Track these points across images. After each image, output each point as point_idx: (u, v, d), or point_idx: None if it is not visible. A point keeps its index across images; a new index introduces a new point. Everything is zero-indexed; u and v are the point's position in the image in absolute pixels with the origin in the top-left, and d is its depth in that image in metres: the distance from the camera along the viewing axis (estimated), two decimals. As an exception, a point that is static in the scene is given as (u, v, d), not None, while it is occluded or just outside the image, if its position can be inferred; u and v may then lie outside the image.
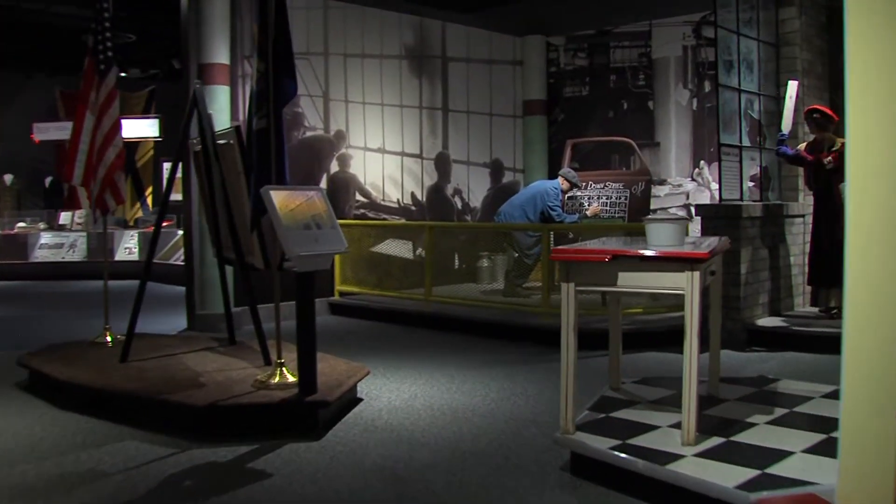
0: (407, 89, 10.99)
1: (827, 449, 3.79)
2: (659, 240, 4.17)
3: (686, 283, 3.87)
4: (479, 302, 8.76)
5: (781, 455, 3.78)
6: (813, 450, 3.86)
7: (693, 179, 10.90)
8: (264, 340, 6.12)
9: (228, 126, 6.80)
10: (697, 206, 7.70)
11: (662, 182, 11.02)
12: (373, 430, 5.00)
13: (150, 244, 6.52)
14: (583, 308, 7.97)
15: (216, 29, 8.64)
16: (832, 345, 7.24)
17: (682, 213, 10.87)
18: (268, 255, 5.49)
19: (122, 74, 18.04)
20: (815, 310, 8.12)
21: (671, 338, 7.60)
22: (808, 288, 8.36)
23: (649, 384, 5.35)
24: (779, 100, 8.51)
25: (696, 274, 3.86)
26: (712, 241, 4.56)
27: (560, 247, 3.98)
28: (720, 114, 7.63)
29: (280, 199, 4.97)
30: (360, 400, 5.74)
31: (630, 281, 4.00)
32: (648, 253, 3.95)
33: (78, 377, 5.68)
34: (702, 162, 10.80)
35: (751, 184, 8.18)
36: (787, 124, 7.80)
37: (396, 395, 5.86)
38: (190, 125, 6.35)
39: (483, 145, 12.05)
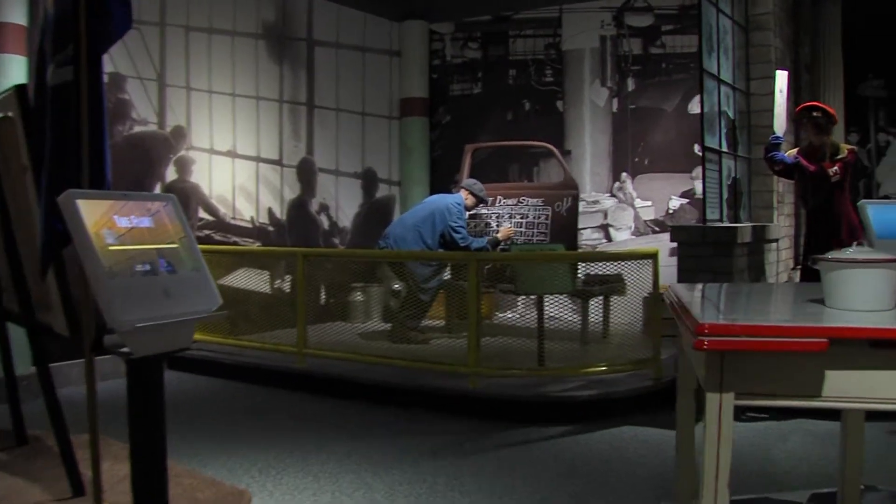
0: (265, 77, 8.66)
1: None
2: (859, 297, 2.16)
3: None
4: (377, 358, 6.51)
5: None
6: None
7: (612, 195, 9.12)
8: (71, 452, 3.68)
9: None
10: (674, 229, 5.83)
11: (574, 198, 9.18)
12: None
13: None
14: (509, 362, 6.03)
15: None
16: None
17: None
18: (76, 316, 3.11)
19: None
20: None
21: (643, 405, 5.77)
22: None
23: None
24: (750, 95, 6.83)
25: None
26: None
27: (711, 322, 1.88)
28: (703, 108, 5.81)
29: (96, 215, 2.67)
30: (238, 550, 3.45)
31: (848, 386, 1.97)
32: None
33: None
34: (623, 174, 9.03)
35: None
36: (780, 124, 6.08)
37: (296, 537, 3.60)
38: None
39: (354, 151, 9.86)
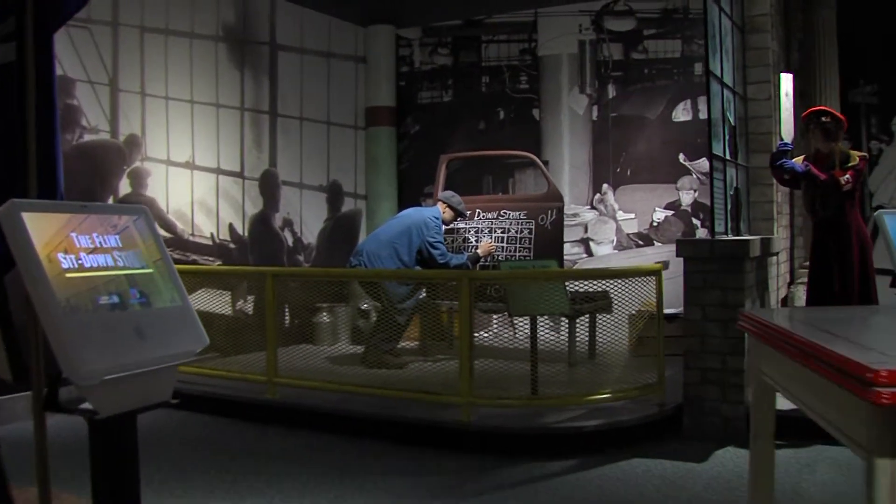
0: (225, 83, 8.08)
1: None
2: None
3: None
4: (357, 387, 5.96)
5: None
6: None
7: (593, 207, 8.68)
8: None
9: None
10: (680, 243, 5.39)
11: (553, 210, 8.72)
12: None
13: None
14: (498, 389, 5.46)
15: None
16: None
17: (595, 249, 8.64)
18: (23, 360, 2.53)
19: None
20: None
21: (649, 434, 5.30)
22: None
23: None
24: (748, 100, 6.44)
25: None
26: None
27: (890, 368, 1.38)
28: (711, 113, 5.40)
29: (49, 232, 2.12)
30: None
31: None
32: None
33: None
34: (604, 185, 8.61)
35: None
36: (788, 130, 5.71)
37: None
38: None
39: (319, 162, 9.31)
